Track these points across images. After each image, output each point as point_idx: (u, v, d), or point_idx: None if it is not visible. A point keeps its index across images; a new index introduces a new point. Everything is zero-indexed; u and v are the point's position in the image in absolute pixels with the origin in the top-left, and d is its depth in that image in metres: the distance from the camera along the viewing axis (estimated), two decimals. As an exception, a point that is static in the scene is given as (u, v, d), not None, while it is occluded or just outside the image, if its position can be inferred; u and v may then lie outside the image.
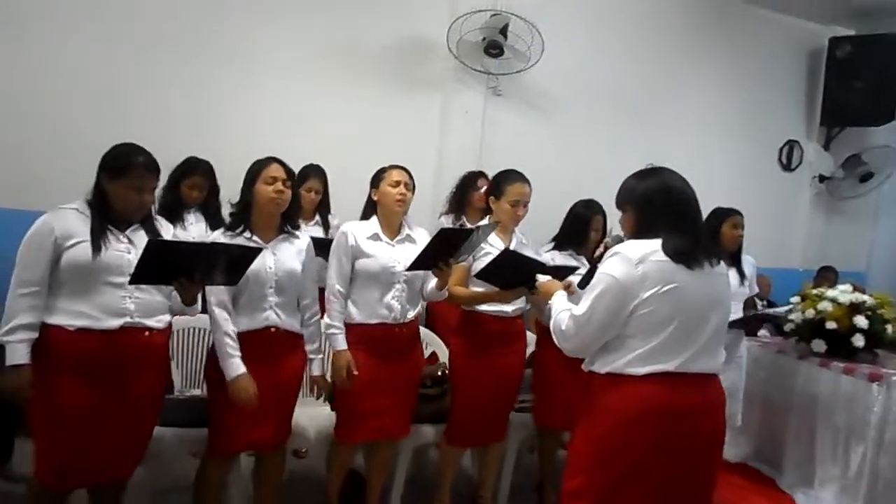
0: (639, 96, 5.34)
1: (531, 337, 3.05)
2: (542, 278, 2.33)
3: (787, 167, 6.10)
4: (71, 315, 2.01)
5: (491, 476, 3.01)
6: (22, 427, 2.80)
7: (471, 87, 4.74)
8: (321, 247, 2.76)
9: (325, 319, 2.58)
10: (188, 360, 2.90)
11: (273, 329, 2.36)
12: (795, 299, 3.66)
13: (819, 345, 3.47)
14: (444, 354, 3.07)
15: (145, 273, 1.94)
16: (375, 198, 2.64)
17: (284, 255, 2.39)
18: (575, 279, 2.53)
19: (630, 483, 1.75)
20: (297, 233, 2.49)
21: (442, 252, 2.40)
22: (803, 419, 3.52)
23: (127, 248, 2.07)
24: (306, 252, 2.48)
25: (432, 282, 2.60)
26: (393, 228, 2.65)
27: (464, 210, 3.90)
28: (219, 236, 2.36)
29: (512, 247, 2.72)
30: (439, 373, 2.91)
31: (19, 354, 1.97)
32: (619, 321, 1.76)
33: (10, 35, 3.65)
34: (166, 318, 2.19)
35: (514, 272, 2.43)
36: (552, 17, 4.70)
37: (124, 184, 2.06)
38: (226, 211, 3.05)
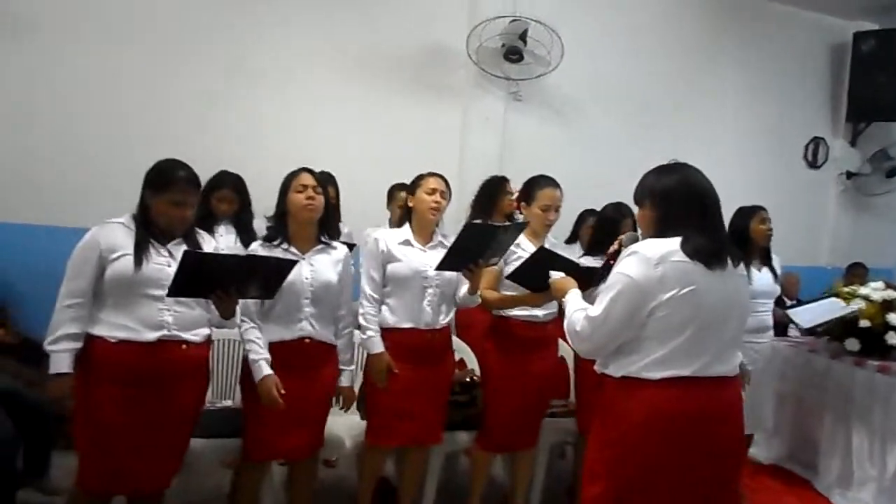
0: (660, 98, 5.30)
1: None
2: (555, 275, 2.23)
3: (814, 164, 6.03)
4: (113, 327, 2.07)
5: (523, 482, 2.99)
6: (59, 441, 2.88)
7: (491, 92, 4.76)
8: None
9: (360, 321, 2.58)
10: (219, 371, 2.93)
11: (307, 340, 2.38)
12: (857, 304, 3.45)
13: (853, 343, 3.41)
14: (471, 361, 3.07)
15: (182, 285, 1.98)
16: (411, 204, 2.66)
17: (321, 266, 2.41)
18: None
19: (646, 488, 1.71)
20: (335, 243, 2.51)
21: (471, 253, 2.41)
22: (838, 419, 3.45)
23: (167, 262, 2.11)
24: (343, 263, 2.50)
25: (464, 287, 2.61)
26: (425, 235, 2.66)
27: (490, 215, 3.88)
28: (257, 248, 2.39)
29: None
30: (468, 379, 2.91)
31: (62, 364, 2.03)
32: (636, 323, 1.71)
33: (54, 58, 3.85)
34: (205, 331, 2.22)
35: (546, 274, 2.37)
36: (571, 22, 4.72)
37: (166, 198, 2.11)
38: (258, 224, 3.12)
